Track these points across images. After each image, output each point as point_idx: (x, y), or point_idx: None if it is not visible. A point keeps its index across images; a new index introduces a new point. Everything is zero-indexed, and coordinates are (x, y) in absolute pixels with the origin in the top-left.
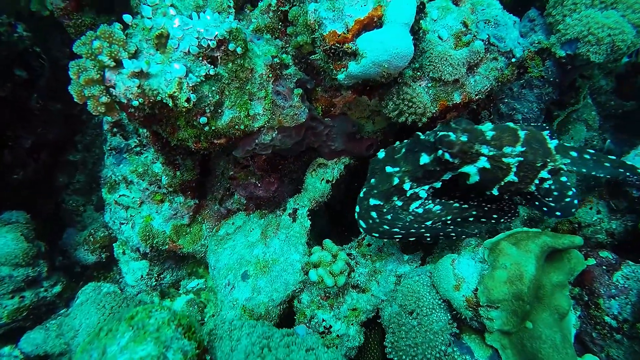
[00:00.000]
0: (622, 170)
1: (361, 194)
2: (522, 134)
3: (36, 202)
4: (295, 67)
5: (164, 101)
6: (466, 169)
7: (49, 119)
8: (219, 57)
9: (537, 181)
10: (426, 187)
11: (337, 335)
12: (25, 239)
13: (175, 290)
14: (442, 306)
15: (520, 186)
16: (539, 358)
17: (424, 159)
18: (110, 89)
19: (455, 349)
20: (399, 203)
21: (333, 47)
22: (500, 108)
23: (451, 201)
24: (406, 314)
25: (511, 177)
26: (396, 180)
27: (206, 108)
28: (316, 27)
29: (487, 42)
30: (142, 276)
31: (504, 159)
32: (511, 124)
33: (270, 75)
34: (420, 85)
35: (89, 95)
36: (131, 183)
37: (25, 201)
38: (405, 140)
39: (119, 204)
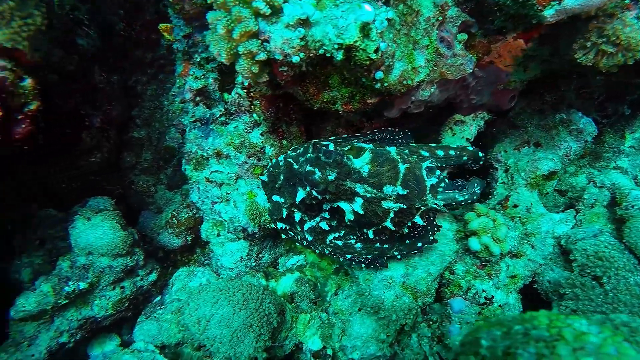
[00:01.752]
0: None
1: (268, 211)
2: (402, 168)
3: (103, 186)
4: (457, 7)
5: (328, 55)
6: (342, 204)
7: (113, 94)
8: None
9: (409, 223)
10: (317, 218)
11: (499, 306)
12: (120, 227)
13: (274, 270)
14: (638, 268)
15: (396, 231)
16: None
17: (300, 194)
18: (264, 43)
19: None
20: (310, 237)
21: None
22: None
23: (375, 239)
24: (591, 278)
25: (387, 224)
26: (285, 212)
27: (385, 60)
28: None
29: None
30: (241, 257)
31: (383, 204)
32: (393, 152)
33: (440, 19)
34: (630, 15)
35: (245, 52)
36: (227, 157)
37: (92, 186)
38: (280, 159)
39: (211, 181)
